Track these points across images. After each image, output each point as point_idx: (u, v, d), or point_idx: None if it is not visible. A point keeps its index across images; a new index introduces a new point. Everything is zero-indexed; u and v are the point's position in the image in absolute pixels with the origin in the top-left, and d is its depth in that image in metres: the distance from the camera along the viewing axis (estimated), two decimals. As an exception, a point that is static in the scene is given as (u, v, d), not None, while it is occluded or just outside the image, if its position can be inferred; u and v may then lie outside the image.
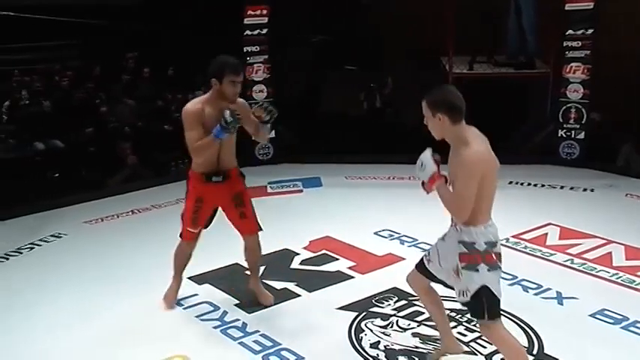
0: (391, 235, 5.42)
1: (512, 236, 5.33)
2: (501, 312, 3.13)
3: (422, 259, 3.40)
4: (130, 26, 9.00)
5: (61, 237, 5.64)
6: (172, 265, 4.32)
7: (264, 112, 3.90)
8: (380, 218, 5.75)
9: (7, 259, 5.22)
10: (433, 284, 3.42)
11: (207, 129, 3.82)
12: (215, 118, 3.80)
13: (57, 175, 7.24)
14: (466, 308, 3.19)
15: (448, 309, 4.10)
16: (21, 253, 5.33)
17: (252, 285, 4.35)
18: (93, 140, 7.56)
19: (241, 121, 3.86)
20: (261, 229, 4.20)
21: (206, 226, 4.21)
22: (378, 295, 4.34)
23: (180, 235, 4.21)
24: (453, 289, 3.24)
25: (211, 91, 3.88)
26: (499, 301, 3.06)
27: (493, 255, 3.03)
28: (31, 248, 5.41)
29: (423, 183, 3.12)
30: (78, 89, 8.16)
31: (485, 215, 3.06)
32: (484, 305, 3.03)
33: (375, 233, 5.45)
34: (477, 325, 3.31)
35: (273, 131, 7.11)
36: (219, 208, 4.17)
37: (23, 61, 9.07)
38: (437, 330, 3.67)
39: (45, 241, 5.54)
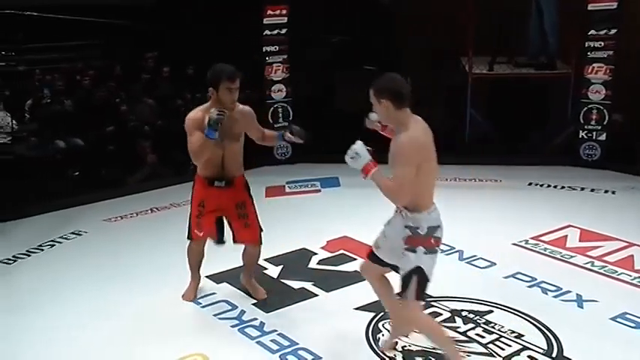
0: (409, 236, 5.39)
1: (532, 238, 5.29)
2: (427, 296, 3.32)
3: (371, 249, 3.52)
4: (150, 26, 9.05)
5: (81, 234, 5.70)
6: (188, 264, 4.37)
7: (298, 138, 4.02)
8: (398, 218, 5.72)
9: (29, 255, 5.28)
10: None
11: None
12: None
13: (77, 173, 7.29)
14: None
15: (467, 310, 4.10)
16: (42, 250, 5.39)
17: (245, 281, 4.45)
18: (113, 139, 7.60)
19: (243, 127, 4.04)
20: (261, 243, 4.27)
21: (219, 241, 4.25)
22: (396, 296, 4.33)
23: (189, 237, 4.27)
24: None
25: (210, 100, 3.98)
26: (428, 283, 3.24)
27: (432, 239, 3.20)
28: (52, 245, 5.47)
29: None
30: (99, 88, 8.21)
31: (428, 201, 3.22)
32: (414, 284, 3.19)
33: (393, 234, 5.43)
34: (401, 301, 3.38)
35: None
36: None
37: (46, 61, 9.16)
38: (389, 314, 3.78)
39: (65, 239, 5.60)
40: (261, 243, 4.27)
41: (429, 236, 3.19)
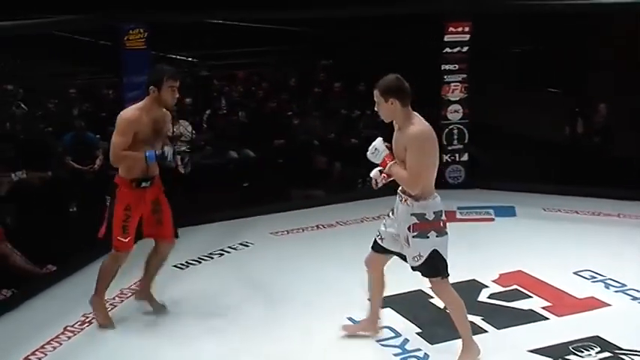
0: (594, 277, 4.92)
1: None
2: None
3: (375, 239, 3.81)
4: (327, 38, 9.14)
5: (248, 246, 5.79)
6: (97, 279, 4.21)
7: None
8: (581, 257, 5.26)
9: (200, 262, 5.44)
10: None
11: (139, 137, 3.95)
12: (148, 126, 3.98)
13: (247, 184, 7.47)
14: (419, 271, 3.61)
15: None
16: (212, 258, 5.54)
17: (143, 286, 4.37)
18: (283, 152, 7.71)
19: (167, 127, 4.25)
20: (177, 237, 4.30)
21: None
22: (577, 342, 3.97)
23: (113, 248, 4.12)
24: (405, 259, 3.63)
25: (147, 99, 4.00)
26: (446, 261, 3.55)
27: (441, 223, 3.52)
28: (221, 254, 5.61)
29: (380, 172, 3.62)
30: (271, 101, 8.41)
31: (431, 188, 3.53)
32: (437, 265, 3.52)
33: (575, 273, 4.99)
34: (430, 283, 3.69)
35: (466, 154, 6.98)
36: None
37: (225, 67, 9.52)
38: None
39: (233, 249, 5.72)
40: (177, 236, 4.30)
41: (438, 220, 3.50)
